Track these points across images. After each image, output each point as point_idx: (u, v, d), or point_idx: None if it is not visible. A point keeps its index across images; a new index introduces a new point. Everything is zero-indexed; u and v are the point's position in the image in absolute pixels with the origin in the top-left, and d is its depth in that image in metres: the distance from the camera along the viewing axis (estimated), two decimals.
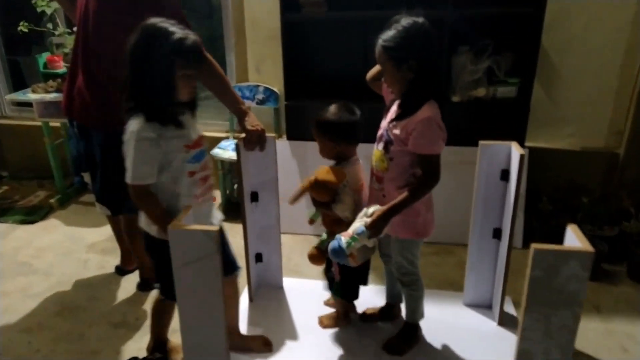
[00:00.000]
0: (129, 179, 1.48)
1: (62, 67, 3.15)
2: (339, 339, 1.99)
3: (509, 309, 2.12)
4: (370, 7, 2.55)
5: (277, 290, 2.29)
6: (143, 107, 1.46)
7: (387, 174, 1.66)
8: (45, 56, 3.17)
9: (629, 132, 2.70)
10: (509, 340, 1.97)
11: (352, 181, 1.76)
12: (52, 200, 3.22)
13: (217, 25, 3.33)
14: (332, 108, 1.75)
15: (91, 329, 2.13)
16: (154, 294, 2.33)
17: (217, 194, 3.32)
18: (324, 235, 1.88)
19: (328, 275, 1.94)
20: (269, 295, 2.26)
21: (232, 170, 3.16)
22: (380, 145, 1.67)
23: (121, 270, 2.52)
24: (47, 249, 2.75)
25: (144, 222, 1.61)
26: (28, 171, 3.70)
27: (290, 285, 2.33)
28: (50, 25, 3.13)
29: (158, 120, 1.46)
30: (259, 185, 2.11)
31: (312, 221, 1.79)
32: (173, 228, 1.32)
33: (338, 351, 1.92)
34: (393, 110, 1.68)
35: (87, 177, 2.27)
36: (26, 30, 3.04)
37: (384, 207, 1.57)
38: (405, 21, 1.54)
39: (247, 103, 3.16)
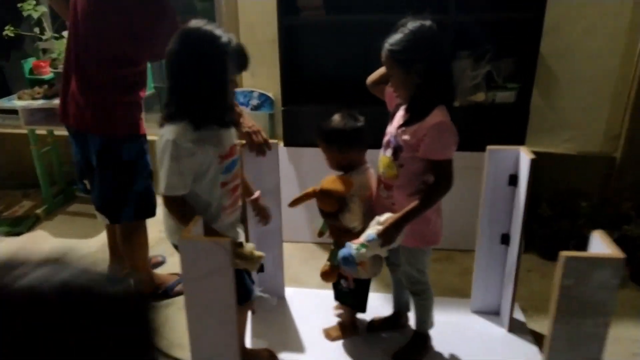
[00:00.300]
0: (162, 189, 1.42)
1: (49, 73, 3.04)
2: (347, 350, 1.94)
3: (517, 315, 2.10)
4: (369, 10, 2.52)
5: (280, 300, 2.23)
6: (187, 114, 1.39)
7: (396, 181, 1.62)
8: (31, 62, 3.07)
9: (625, 136, 2.72)
10: (520, 347, 1.95)
11: (361, 190, 1.71)
12: (38, 211, 3.10)
13: None
14: (335, 117, 1.71)
15: None
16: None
17: None
18: (333, 249, 1.82)
19: (337, 287, 1.88)
20: (271, 305, 2.19)
21: None
22: (388, 152, 1.63)
23: None
24: None
25: (169, 232, 1.56)
26: (12, 180, 3.56)
27: (293, 295, 2.26)
28: (37, 30, 3.03)
29: (203, 126, 1.39)
30: (261, 193, 2.05)
31: (321, 233, 1.74)
32: (183, 239, 1.26)
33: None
34: (399, 115, 1.64)
35: (89, 184, 2.20)
36: (12, 35, 2.93)
37: (397, 215, 1.53)
38: (412, 25, 1.51)
39: (242, 109, 3.09)
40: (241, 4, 2.91)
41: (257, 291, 1.77)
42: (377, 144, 1.72)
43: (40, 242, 2.84)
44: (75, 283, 0.51)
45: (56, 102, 2.49)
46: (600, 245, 1.20)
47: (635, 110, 2.65)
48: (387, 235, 1.51)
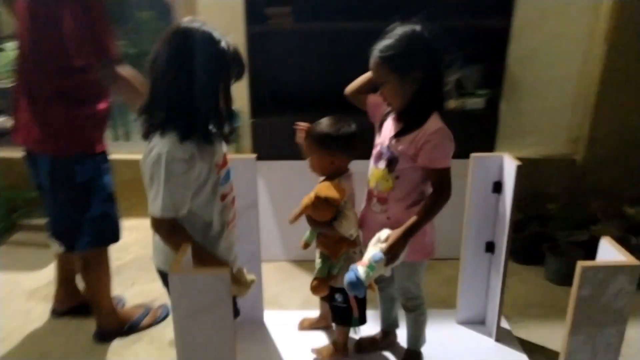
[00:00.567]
0: (156, 211, 1.24)
1: None
2: None
3: (502, 323, 2.07)
4: (339, 18, 2.46)
5: (259, 325, 2.09)
6: (178, 123, 1.23)
7: (392, 193, 1.54)
8: None
9: (587, 138, 2.80)
10: (509, 357, 1.92)
11: (351, 196, 1.66)
12: None
13: (144, 40, 3.12)
14: (327, 121, 1.62)
15: None
16: (115, 345, 2.05)
17: None
18: (319, 262, 1.72)
19: (332, 304, 1.77)
20: (251, 332, 2.05)
21: None
22: (382, 164, 1.55)
23: (57, 313, 2.22)
24: None
25: (162, 261, 1.38)
26: None
27: (272, 319, 2.13)
28: None
29: (196, 137, 1.25)
30: (239, 211, 1.92)
31: (306, 245, 1.62)
32: (173, 273, 1.12)
33: None
34: (389, 125, 1.57)
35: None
36: None
37: (400, 230, 1.45)
38: (402, 30, 1.46)
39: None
40: (202, 11, 2.76)
41: None
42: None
43: None
44: None
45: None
46: (609, 251, 1.18)
47: (596, 113, 2.73)
48: (393, 252, 1.43)
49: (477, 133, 2.56)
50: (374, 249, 1.45)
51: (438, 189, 1.49)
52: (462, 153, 1.72)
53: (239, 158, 1.87)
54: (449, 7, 2.48)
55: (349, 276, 1.41)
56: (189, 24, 1.24)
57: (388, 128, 1.56)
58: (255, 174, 1.89)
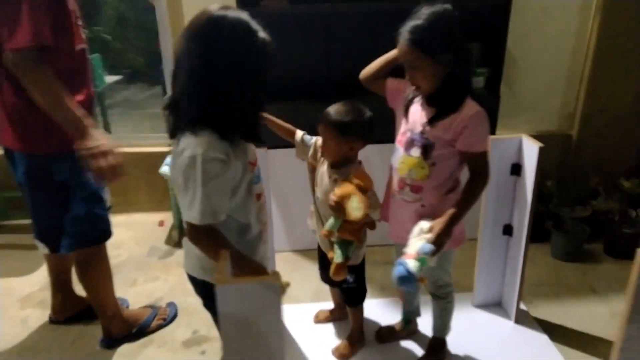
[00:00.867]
0: (195, 218, 1.13)
1: None
2: None
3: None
4: (335, 0, 2.35)
5: None
6: (215, 120, 1.13)
7: (428, 181, 1.48)
8: None
9: (581, 114, 2.82)
10: (530, 337, 1.94)
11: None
12: None
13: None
14: (344, 106, 1.53)
15: None
16: (123, 350, 1.95)
17: (169, 217, 2.93)
18: (337, 247, 1.61)
19: (344, 287, 1.73)
20: None
21: None
22: (415, 151, 1.48)
23: (54, 322, 2.09)
24: None
25: (198, 268, 1.29)
26: None
27: (288, 314, 2.07)
28: None
29: (235, 134, 1.15)
30: None
31: (330, 233, 1.55)
32: (221, 284, 1.03)
33: None
34: (418, 110, 1.50)
35: None
36: None
37: (445, 218, 1.41)
38: (432, 10, 1.38)
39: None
40: None
41: None
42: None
43: None
44: None
45: None
46: None
47: (589, 88, 2.74)
48: (440, 242, 1.39)
49: None
50: (419, 241, 1.39)
51: (478, 173, 1.45)
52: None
53: None
54: None
55: (398, 271, 1.35)
56: (222, 11, 1.12)
57: (417, 113, 1.50)
58: (266, 164, 1.80)
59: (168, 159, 2.74)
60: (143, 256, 2.59)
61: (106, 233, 1.84)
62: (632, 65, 2.69)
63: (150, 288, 2.33)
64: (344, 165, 1.57)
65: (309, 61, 2.57)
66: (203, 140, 1.11)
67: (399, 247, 1.71)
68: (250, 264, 1.22)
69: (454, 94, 1.42)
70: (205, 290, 1.30)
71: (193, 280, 1.33)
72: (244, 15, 1.13)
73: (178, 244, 2.68)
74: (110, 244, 1.87)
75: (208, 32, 1.09)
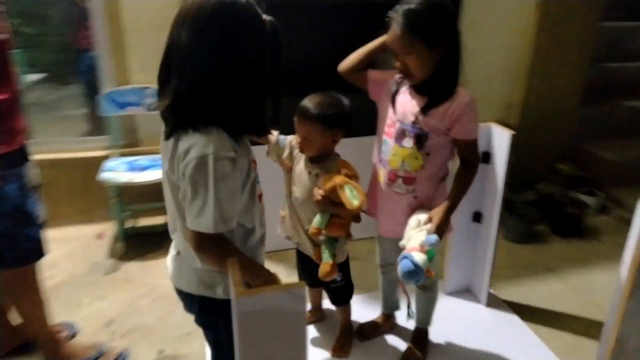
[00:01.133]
0: (208, 226, 0.99)
1: None
2: None
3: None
4: None
5: None
6: (225, 115, 1.00)
7: (421, 172, 1.45)
8: None
9: (520, 104, 2.96)
10: (503, 319, 1.98)
11: None
12: None
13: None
14: (324, 98, 1.45)
15: None
16: None
17: (108, 228, 2.66)
18: (324, 246, 1.53)
19: (332, 286, 1.66)
20: None
21: (122, 194, 2.55)
22: (407, 142, 1.44)
23: None
24: None
25: (195, 283, 1.14)
26: None
27: None
28: None
29: (246, 130, 1.04)
30: None
31: (319, 231, 1.47)
32: (241, 297, 0.92)
33: None
34: (407, 100, 1.45)
35: None
36: None
37: (443, 208, 1.39)
38: None
39: (135, 110, 2.58)
40: None
41: None
42: None
43: None
44: None
45: None
46: None
47: (528, 79, 2.90)
48: (441, 233, 1.37)
49: None
50: (420, 233, 1.35)
51: (471, 160, 1.45)
52: None
53: None
54: None
55: (406, 265, 1.30)
56: None
57: (407, 103, 1.45)
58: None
59: (109, 164, 2.49)
60: (85, 274, 2.33)
61: (35, 253, 1.60)
62: (566, 58, 2.88)
63: (99, 309, 2.09)
64: (323, 159, 1.50)
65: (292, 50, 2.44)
66: (212, 137, 0.97)
67: (388, 242, 1.67)
68: (260, 271, 1.11)
69: (446, 82, 1.39)
70: (203, 307, 1.16)
71: (187, 296, 1.18)
72: None
73: (124, 257, 2.44)
74: (44, 263, 1.65)
75: (222, 18, 0.96)
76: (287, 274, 2.11)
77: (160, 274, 2.32)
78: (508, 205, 2.65)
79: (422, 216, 1.42)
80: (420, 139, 1.42)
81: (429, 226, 1.37)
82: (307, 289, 1.29)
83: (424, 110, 1.40)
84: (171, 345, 1.89)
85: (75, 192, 2.69)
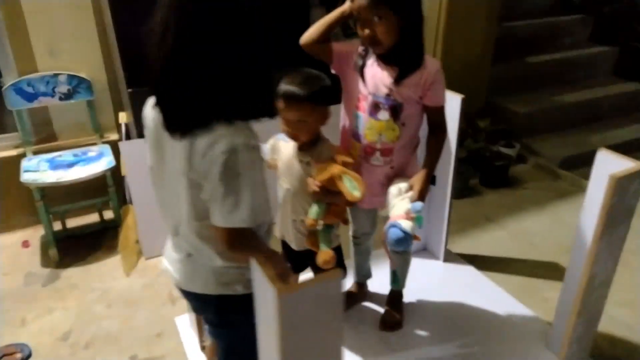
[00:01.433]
0: (244, 220, 0.93)
1: None
2: None
3: None
4: None
5: None
6: (244, 102, 0.93)
7: (398, 142, 1.48)
8: None
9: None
10: (463, 271, 2.13)
11: None
12: None
13: None
14: (304, 75, 1.37)
15: None
16: None
17: (37, 233, 2.40)
18: (322, 234, 1.48)
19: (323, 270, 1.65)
20: None
21: (46, 195, 2.31)
22: (383, 114, 1.45)
23: None
24: None
25: (213, 284, 1.07)
26: None
27: None
28: None
29: (261, 116, 0.96)
30: None
31: (316, 222, 1.44)
32: (285, 294, 0.88)
33: (347, 352, 1.71)
34: (376, 72, 1.45)
35: None
36: None
37: (422, 174, 1.45)
38: None
39: (47, 101, 2.31)
40: None
41: None
42: None
43: None
44: None
45: None
46: (610, 160, 1.35)
47: (445, 41, 3.02)
48: (423, 198, 1.42)
49: None
50: (403, 202, 1.39)
51: (442, 126, 1.52)
52: None
53: None
54: None
55: (394, 233, 1.33)
56: None
57: (377, 75, 1.45)
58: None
59: (25, 163, 2.21)
60: (20, 287, 2.09)
61: None
62: (478, 19, 3.04)
63: (49, 323, 1.90)
64: (313, 145, 1.43)
65: None
66: (238, 127, 0.91)
67: (362, 213, 1.70)
68: (278, 262, 1.07)
69: (415, 49, 1.42)
70: (222, 306, 1.11)
71: (202, 298, 1.11)
72: None
73: (62, 264, 2.22)
74: None
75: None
76: None
77: (109, 275, 2.16)
78: None
79: (402, 185, 1.45)
80: (396, 110, 1.44)
81: (410, 193, 1.41)
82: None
83: (397, 80, 1.42)
84: (143, 348, 1.79)
85: None
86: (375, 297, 1.95)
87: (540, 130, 3.22)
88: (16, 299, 2.02)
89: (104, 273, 2.17)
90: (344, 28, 2.51)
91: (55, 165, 2.21)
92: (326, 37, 1.51)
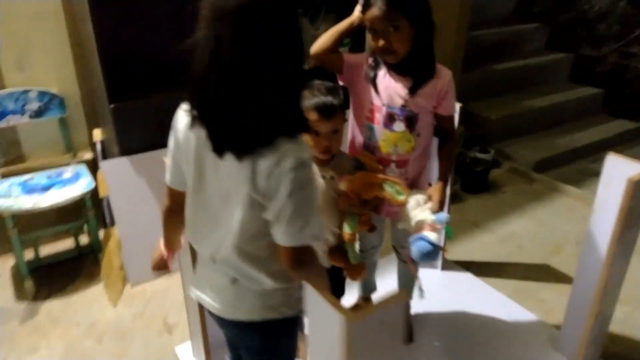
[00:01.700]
0: (315, 236, 0.91)
1: None
2: None
3: None
4: None
5: None
6: (300, 115, 0.94)
7: (413, 153, 1.47)
8: None
9: None
10: (461, 278, 2.15)
11: None
12: None
13: None
14: (322, 87, 1.34)
15: None
16: None
17: (6, 264, 2.20)
18: (350, 246, 1.44)
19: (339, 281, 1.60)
20: None
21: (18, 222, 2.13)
22: (398, 126, 1.44)
23: None
24: None
25: (260, 309, 1.02)
26: None
27: None
28: None
29: (303, 130, 0.94)
30: None
31: (354, 235, 1.41)
32: (354, 321, 0.84)
33: None
34: (389, 83, 1.43)
35: None
36: None
37: (440, 185, 1.43)
38: None
39: (15, 119, 2.13)
40: None
41: None
42: None
43: None
44: None
45: None
46: (617, 163, 1.39)
47: None
48: (442, 208, 1.41)
49: None
50: (423, 213, 1.37)
51: (453, 134, 1.54)
52: None
53: None
54: None
55: (423, 246, 1.31)
56: None
57: (391, 87, 1.43)
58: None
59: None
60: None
61: None
62: (449, 30, 3.10)
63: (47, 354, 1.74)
64: (332, 159, 1.38)
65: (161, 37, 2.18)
66: (299, 141, 0.88)
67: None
68: (324, 276, 1.03)
69: (428, 58, 1.42)
70: (267, 331, 1.05)
71: (247, 326, 1.04)
72: None
73: (39, 296, 2.04)
74: None
75: (266, 20, 0.82)
76: None
77: (94, 306, 2.01)
78: None
79: (419, 196, 1.43)
80: (411, 121, 1.44)
81: (430, 204, 1.39)
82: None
83: (412, 90, 1.41)
84: None
85: None
86: None
87: (510, 134, 3.33)
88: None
89: (87, 304, 2.01)
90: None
91: (29, 189, 2.04)
92: (337, 47, 1.49)
